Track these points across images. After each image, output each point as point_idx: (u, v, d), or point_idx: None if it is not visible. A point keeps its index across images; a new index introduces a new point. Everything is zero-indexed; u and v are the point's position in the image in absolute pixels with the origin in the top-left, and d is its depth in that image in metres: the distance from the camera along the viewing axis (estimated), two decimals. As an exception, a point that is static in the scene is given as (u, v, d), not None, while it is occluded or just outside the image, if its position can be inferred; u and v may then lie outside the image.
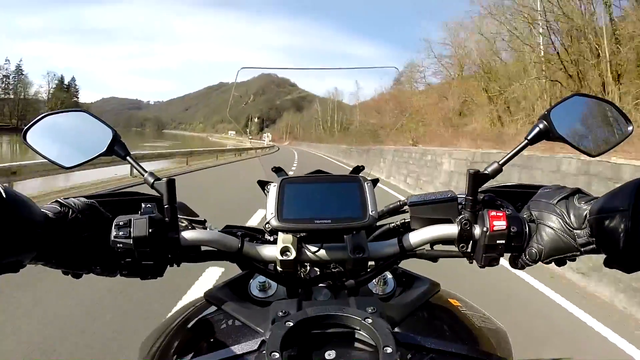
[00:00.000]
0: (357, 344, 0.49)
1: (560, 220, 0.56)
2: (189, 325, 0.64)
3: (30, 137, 0.64)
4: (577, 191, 0.58)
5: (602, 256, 0.53)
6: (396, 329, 0.53)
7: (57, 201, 0.55)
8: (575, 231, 0.54)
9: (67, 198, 0.57)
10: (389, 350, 0.43)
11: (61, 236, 0.52)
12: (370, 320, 0.47)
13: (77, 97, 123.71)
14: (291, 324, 0.47)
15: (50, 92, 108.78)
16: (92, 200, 0.58)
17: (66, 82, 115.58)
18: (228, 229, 0.70)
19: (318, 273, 0.67)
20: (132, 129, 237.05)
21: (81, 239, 0.54)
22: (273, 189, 0.60)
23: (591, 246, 0.53)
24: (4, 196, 0.43)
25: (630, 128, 0.66)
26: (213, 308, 0.64)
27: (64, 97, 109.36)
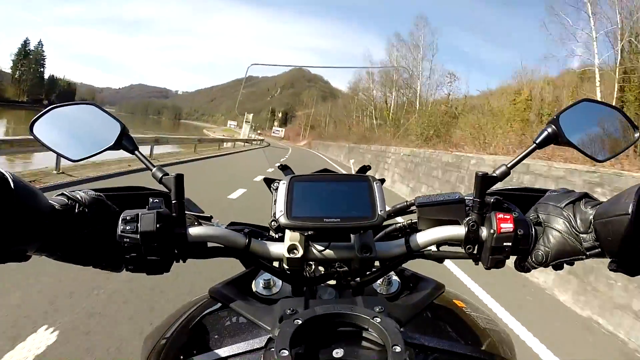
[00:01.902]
0: (364, 343, 0.49)
1: (566, 223, 0.56)
2: (194, 322, 0.63)
3: (37, 129, 0.64)
4: (584, 195, 0.58)
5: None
6: (402, 329, 0.53)
7: (63, 194, 0.55)
8: (581, 235, 0.55)
9: (74, 191, 0.56)
10: (398, 349, 0.43)
11: (67, 228, 0.52)
12: (378, 320, 0.48)
13: (43, 67, 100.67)
14: (300, 322, 0.47)
15: (12, 58, 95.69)
16: (99, 194, 0.58)
17: (31, 47, 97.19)
18: (233, 226, 0.70)
19: (323, 272, 0.67)
20: (149, 116, 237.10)
21: (86, 233, 0.54)
22: (282, 187, 0.59)
23: (596, 250, 0.54)
24: (12, 186, 0.43)
25: (637, 135, 0.66)
26: (218, 305, 0.64)
27: (24, 68, 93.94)
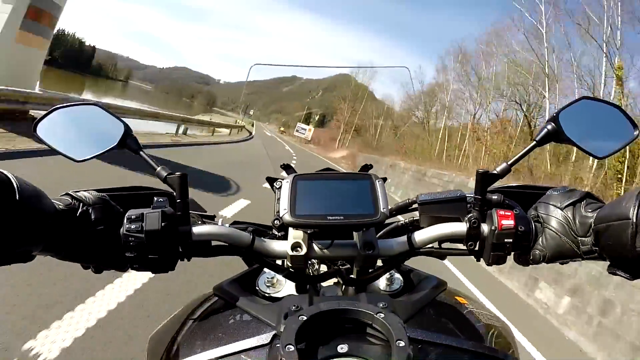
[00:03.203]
0: (368, 338, 0.50)
1: (565, 226, 0.57)
2: (199, 319, 0.64)
3: (41, 129, 0.64)
4: (586, 196, 0.58)
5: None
6: (405, 325, 0.53)
7: (68, 194, 0.55)
8: (579, 238, 0.55)
9: (78, 191, 0.56)
10: (402, 343, 0.44)
11: (71, 228, 0.52)
12: (382, 315, 0.48)
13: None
14: (305, 317, 0.48)
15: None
16: (103, 194, 0.58)
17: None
18: (237, 225, 0.70)
19: (326, 270, 0.67)
20: (182, 99, 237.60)
21: (91, 233, 0.54)
22: (285, 185, 0.60)
23: (594, 254, 0.54)
24: (15, 186, 0.43)
25: (636, 132, 0.66)
26: (222, 302, 0.64)
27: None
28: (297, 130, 65.92)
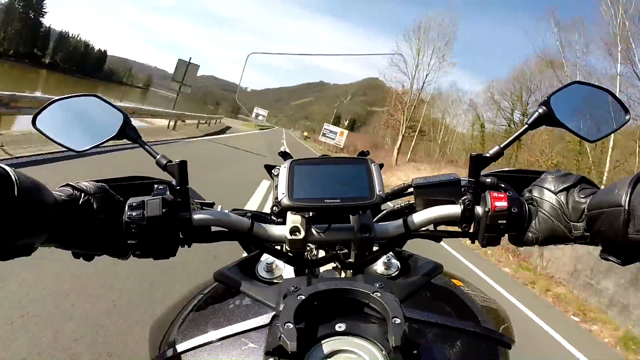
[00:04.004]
0: (365, 317, 0.51)
1: (558, 210, 0.57)
2: (199, 305, 0.65)
3: (40, 122, 0.64)
4: (581, 181, 0.58)
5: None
6: (401, 305, 0.54)
7: (68, 184, 0.56)
8: (572, 223, 0.56)
9: (79, 182, 0.57)
10: (398, 320, 0.45)
11: (72, 219, 0.53)
12: (379, 294, 0.49)
13: (41, 16, 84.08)
14: (303, 297, 0.49)
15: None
16: (102, 184, 0.59)
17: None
18: (236, 211, 0.71)
19: (324, 254, 0.69)
20: (207, 105, 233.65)
21: (92, 222, 0.55)
22: (283, 171, 0.61)
23: (586, 240, 0.55)
24: (14, 179, 0.44)
25: (627, 116, 0.67)
26: (222, 287, 0.65)
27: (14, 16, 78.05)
28: (323, 134, 44.90)
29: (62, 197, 0.53)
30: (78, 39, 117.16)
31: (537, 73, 26.47)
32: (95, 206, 0.55)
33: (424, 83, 31.34)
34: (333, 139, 43.21)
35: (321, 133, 45.40)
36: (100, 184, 0.59)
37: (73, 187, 0.55)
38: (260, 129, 47.61)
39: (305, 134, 73.46)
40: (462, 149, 33.62)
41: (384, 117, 39.76)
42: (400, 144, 31.51)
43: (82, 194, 0.55)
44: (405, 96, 31.47)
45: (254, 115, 55.42)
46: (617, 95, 0.70)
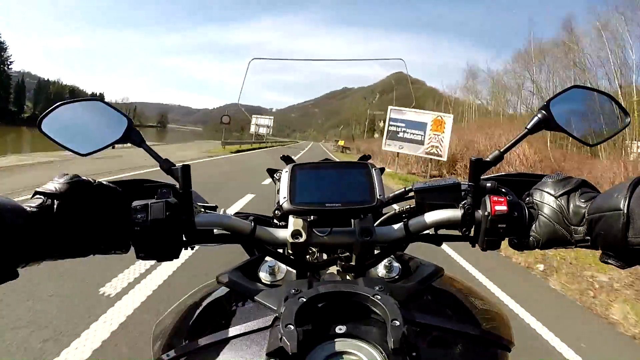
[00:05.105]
0: (365, 319, 0.51)
1: (559, 214, 0.57)
2: (203, 307, 0.65)
3: (45, 125, 0.65)
4: (581, 185, 0.59)
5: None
6: (401, 308, 0.54)
7: (36, 192, 0.53)
8: (572, 227, 0.56)
9: (47, 183, 0.54)
10: (397, 323, 0.46)
11: (51, 227, 0.50)
12: (379, 297, 0.50)
13: (6, 66, 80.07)
14: (304, 299, 0.50)
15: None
16: (72, 180, 0.56)
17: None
18: (238, 215, 0.72)
19: (326, 257, 0.69)
20: (232, 133, 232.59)
21: (77, 222, 0.53)
22: (285, 175, 0.62)
23: (586, 243, 0.55)
24: None
25: (627, 120, 0.67)
26: (225, 290, 0.66)
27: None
28: (391, 137, 16.37)
29: (33, 209, 0.50)
30: (61, 84, 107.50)
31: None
32: (71, 206, 0.52)
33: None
34: (418, 141, 15.99)
35: (385, 134, 16.89)
36: (69, 179, 0.55)
37: (43, 194, 0.52)
38: (266, 148, 37.47)
39: (341, 142, 56.80)
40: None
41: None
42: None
43: (55, 199, 0.52)
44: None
45: (252, 128, 38.69)
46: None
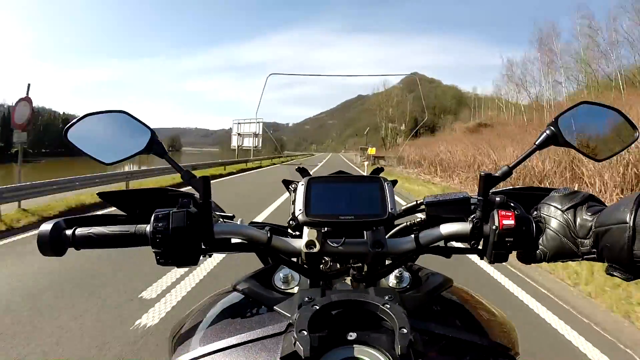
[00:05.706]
0: (375, 327, 0.53)
1: (566, 227, 0.58)
2: (219, 312, 0.68)
3: (72, 135, 0.67)
4: (588, 199, 0.59)
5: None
6: (410, 317, 0.56)
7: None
8: (579, 240, 0.57)
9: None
10: (405, 331, 0.47)
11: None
12: (388, 306, 0.52)
13: None
14: (317, 307, 0.52)
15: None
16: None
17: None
18: (254, 224, 0.75)
19: (339, 267, 0.72)
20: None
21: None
22: (300, 188, 0.65)
23: (592, 255, 0.56)
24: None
25: (636, 134, 0.68)
26: (240, 296, 0.68)
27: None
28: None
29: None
30: (53, 115, 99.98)
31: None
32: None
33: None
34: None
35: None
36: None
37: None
38: (250, 171, 21.50)
39: (371, 151, 33.12)
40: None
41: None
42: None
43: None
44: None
45: (233, 140, 28.47)
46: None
